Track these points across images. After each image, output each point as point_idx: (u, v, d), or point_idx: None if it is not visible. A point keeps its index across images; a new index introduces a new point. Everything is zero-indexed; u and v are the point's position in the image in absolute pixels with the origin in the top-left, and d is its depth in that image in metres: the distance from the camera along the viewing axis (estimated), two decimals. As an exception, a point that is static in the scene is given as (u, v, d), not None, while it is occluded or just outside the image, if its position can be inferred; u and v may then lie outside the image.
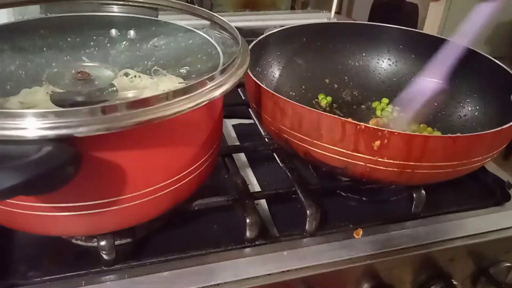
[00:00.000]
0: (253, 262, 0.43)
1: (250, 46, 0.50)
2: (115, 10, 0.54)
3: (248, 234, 0.45)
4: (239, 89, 0.73)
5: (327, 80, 0.68)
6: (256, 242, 0.45)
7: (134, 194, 0.37)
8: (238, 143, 0.63)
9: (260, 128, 0.62)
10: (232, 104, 0.68)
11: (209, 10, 0.50)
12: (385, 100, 0.65)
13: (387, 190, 0.55)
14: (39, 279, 0.40)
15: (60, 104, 0.42)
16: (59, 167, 0.29)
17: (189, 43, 0.52)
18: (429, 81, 0.59)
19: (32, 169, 0.27)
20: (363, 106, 0.67)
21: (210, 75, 0.36)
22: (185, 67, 0.49)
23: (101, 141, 0.33)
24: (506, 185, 0.55)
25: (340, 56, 0.69)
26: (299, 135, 0.46)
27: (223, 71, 0.38)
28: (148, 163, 0.37)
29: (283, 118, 0.46)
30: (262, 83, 0.49)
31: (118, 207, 0.37)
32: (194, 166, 0.41)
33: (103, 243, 0.40)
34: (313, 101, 0.66)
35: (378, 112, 0.64)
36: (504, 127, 0.44)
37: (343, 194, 0.54)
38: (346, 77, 0.69)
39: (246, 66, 0.41)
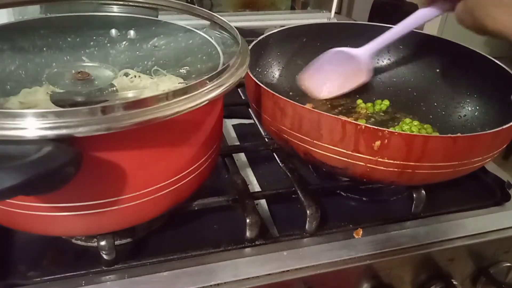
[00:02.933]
0: (253, 262, 0.43)
1: (250, 46, 0.50)
2: (115, 10, 0.54)
3: (248, 234, 0.45)
4: (239, 89, 0.73)
5: (327, 80, 0.68)
6: (256, 242, 0.45)
7: (134, 194, 0.37)
8: (238, 143, 0.63)
9: (260, 128, 0.62)
10: (232, 104, 0.68)
11: (209, 10, 0.50)
12: (386, 102, 0.65)
13: (387, 190, 0.55)
14: (39, 279, 0.40)
15: (60, 104, 0.42)
16: (59, 167, 0.29)
17: (189, 43, 0.52)
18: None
19: (32, 169, 0.27)
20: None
21: (210, 75, 0.36)
22: (185, 67, 0.49)
23: (101, 141, 0.33)
24: (506, 185, 0.55)
25: (340, 56, 0.69)
26: (299, 135, 0.45)
27: (223, 71, 0.38)
28: (148, 163, 0.37)
29: (283, 118, 0.46)
30: (262, 83, 0.49)
31: (118, 207, 0.37)
32: (194, 166, 0.41)
33: (103, 243, 0.40)
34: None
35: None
36: (504, 127, 0.44)
37: (343, 194, 0.54)
38: (346, 77, 0.69)
39: (246, 66, 0.41)
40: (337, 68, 0.63)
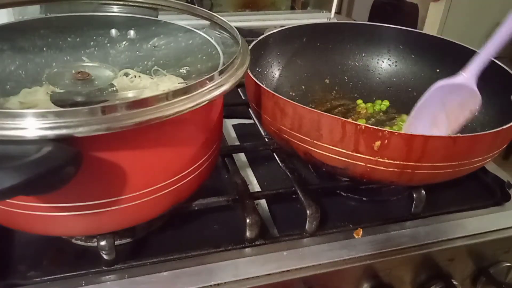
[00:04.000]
0: (253, 262, 0.43)
1: (250, 46, 0.50)
2: (115, 10, 0.54)
3: (248, 234, 0.45)
4: (239, 89, 0.73)
5: (327, 80, 0.68)
6: (256, 242, 0.45)
7: (134, 194, 0.37)
8: (238, 143, 0.63)
9: (260, 128, 0.62)
10: (232, 104, 0.68)
11: (209, 10, 0.50)
12: (386, 102, 0.65)
13: (387, 190, 0.55)
14: (39, 279, 0.40)
15: (60, 104, 0.42)
16: (59, 167, 0.29)
17: (189, 43, 0.52)
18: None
19: (32, 169, 0.27)
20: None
21: (210, 75, 0.36)
22: (185, 67, 0.49)
23: (101, 141, 0.33)
24: (506, 185, 0.55)
25: (340, 56, 0.69)
26: (299, 135, 0.45)
27: (223, 71, 0.38)
28: (148, 163, 0.37)
29: (283, 118, 0.46)
30: (262, 83, 0.49)
31: (118, 207, 0.37)
32: (194, 166, 0.41)
33: (103, 243, 0.40)
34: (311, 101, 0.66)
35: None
36: (504, 127, 0.44)
37: (343, 194, 0.54)
38: (346, 77, 0.69)
39: (246, 66, 0.41)
40: (443, 107, 0.53)
